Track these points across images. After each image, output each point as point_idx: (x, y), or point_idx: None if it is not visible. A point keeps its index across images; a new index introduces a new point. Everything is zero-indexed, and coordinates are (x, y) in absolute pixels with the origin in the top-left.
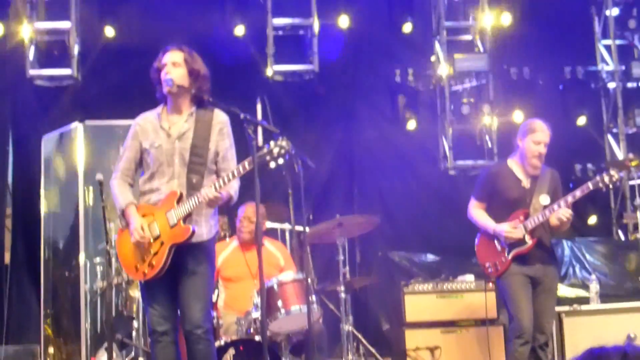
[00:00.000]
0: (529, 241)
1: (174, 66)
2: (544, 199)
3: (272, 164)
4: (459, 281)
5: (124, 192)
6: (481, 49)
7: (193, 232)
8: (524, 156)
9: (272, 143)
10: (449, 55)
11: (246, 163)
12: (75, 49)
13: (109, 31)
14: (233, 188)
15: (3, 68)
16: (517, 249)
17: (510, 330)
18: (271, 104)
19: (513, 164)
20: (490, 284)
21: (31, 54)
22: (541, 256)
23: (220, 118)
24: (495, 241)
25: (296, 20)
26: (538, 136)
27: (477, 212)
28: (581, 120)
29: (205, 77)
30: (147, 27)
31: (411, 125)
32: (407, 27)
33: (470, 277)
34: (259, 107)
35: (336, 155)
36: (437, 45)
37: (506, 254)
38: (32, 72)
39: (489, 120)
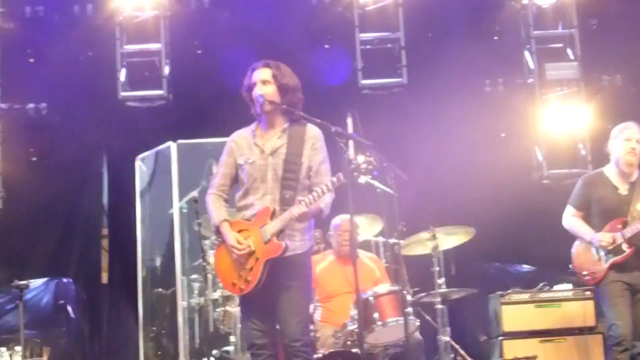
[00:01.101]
0: (627, 249)
1: (264, 84)
2: None
3: (362, 179)
4: (557, 290)
5: (218, 209)
6: (572, 57)
7: (286, 247)
8: (618, 158)
9: (359, 158)
10: (540, 63)
11: (335, 179)
12: (166, 70)
13: (203, 48)
14: (324, 202)
15: (95, 90)
16: (614, 257)
17: (609, 338)
18: (362, 118)
19: (609, 171)
20: (588, 292)
21: (122, 75)
22: None
23: (313, 132)
24: (593, 249)
25: (384, 34)
26: (628, 133)
27: (573, 220)
28: None
29: (296, 89)
30: (235, 45)
31: (501, 132)
32: (496, 37)
33: (567, 286)
34: (349, 121)
35: (428, 166)
36: (526, 54)
37: (603, 262)
38: (124, 93)
39: (581, 128)
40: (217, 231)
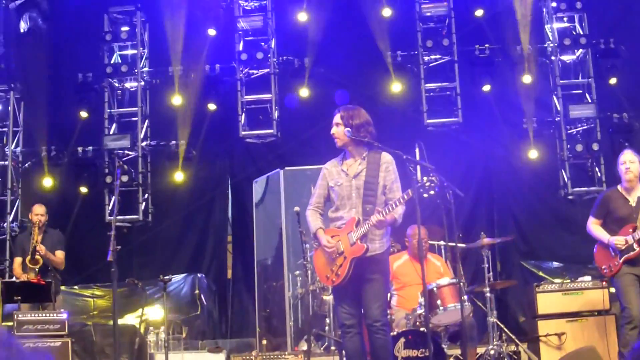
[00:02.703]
0: (637, 248)
1: (337, 126)
2: None
3: (425, 195)
4: (580, 281)
5: (315, 220)
6: (589, 100)
7: (367, 248)
8: (621, 177)
9: (424, 178)
10: (564, 105)
11: (405, 194)
12: (276, 114)
13: (304, 96)
14: (397, 213)
15: (221, 131)
16: (627, 255)
17: (622, 318)
18: (427, 148)
19: (621, 188)
20: (604, 282)
21: (242, 118)
22: None
23: (386, 158)
24: (610, 249)
25: (443, 84)
26: (622, 158)
27: (594, 227)
28: None
29: (361, 125)
30: (328, 93)
31: (532, 158)
32: (529, 85)
33: (588, 278)
34: (417, 151)
35: (479, 186)
36: (554, 98)
37: (618, 259)
38: (244, 132)
39: (597, 155)
40: (315, 237)
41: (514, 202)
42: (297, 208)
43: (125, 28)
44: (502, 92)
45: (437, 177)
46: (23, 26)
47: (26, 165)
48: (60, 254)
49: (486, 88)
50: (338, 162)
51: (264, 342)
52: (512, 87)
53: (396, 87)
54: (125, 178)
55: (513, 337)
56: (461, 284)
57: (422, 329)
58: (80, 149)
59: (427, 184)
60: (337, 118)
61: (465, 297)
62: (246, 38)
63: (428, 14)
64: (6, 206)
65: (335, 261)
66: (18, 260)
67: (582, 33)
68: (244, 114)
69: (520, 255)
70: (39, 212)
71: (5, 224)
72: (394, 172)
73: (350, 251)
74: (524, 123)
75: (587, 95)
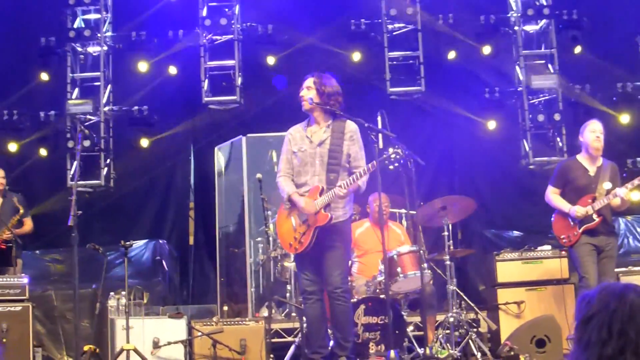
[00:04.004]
0: (596, 218)
1: (307, 90)
2: (607, 185)
3: (391, 167)
4: (539, 250)
5: (288, 185)
6: (552, 71)
7: (331, 217)
8: (587, 146)
9: (390, 149)
10: (527, 76)
11: (370, 166)
12: (239, 80)
13: (267, 63)
14: (361, 181)
15: (184, 97)
16: (586, 225)
17: (580, 288)
18: (389, 117)
19: (581, 158)
20: (564, 252)
21: (206, 85)
22: (604, 230)
23: (351, 127)
24: (569, 218)
25: (407, 53)
26: (593, 126)
27: (553, 197)
28: (628, 122)
29: (333, 93)
30: (292, 60)
31: (494, 128)
32: (492, 55)
33: (547, 247)
34: (379, 119)
35: (441, 156)
36: (517, 69)
37: (577, 229)
38: (207, 98)
39: (559, 125)
40: (289, 200)
41: (476, 171)
42: (259, 175)
43: None
44: (465, 61)
45: (402, 148)
46: None
47: None
48: (28, 221)
49: (450, 56)
50: (302, 128)
51: (225, 308)
52: (475, 57)
53: (359, 55)
54: (87, 143)
55: (472, 305)
56: (421, 251)
57: (382, 296)
58: (42, 114)
59: (393, 155)
60: (309, 82)
61: (425, 265)
62: (210, 4)
63: None
64: None
65: (299, 229)
66: None
67: (545, 4)
68: (207, 80)
69: (481, 224)
70: None
71: None
72: (359, 140)
73: (314, 219)
74: (486, 92)
75: (550, 66)
